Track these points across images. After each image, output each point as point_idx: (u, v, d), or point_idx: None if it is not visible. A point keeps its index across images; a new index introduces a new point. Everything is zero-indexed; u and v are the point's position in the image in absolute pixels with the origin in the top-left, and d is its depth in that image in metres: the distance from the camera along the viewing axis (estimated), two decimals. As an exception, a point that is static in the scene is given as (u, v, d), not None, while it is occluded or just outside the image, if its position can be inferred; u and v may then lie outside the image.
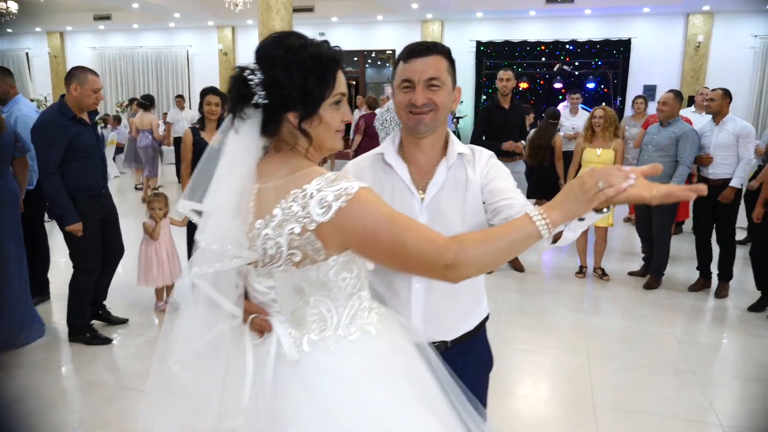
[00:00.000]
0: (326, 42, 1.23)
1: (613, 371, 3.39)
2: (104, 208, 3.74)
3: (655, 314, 4.29)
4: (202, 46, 14.54)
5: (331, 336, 1.24)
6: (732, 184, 4.54)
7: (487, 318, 1.70)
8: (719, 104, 4.61)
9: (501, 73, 5.02)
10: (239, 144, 1.21)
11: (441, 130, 1.54)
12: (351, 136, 9.31)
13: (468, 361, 1.59)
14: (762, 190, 4.36)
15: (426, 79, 1.44)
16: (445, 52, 1.48)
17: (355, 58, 14.74)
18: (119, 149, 10.94)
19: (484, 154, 1.56)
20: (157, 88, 15.10)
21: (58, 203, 3.43)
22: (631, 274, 5.16)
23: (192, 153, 4.11)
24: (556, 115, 6.34)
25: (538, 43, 12.25)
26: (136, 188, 9.63)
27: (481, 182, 1.51)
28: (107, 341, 3.68)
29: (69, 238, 3.57)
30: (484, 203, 1.50)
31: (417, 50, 1.45)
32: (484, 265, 1.15)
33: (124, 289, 4.45)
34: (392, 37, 13.27)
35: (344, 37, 13.61)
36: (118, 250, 3.94)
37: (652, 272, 4.91)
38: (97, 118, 4.01)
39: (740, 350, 3.80)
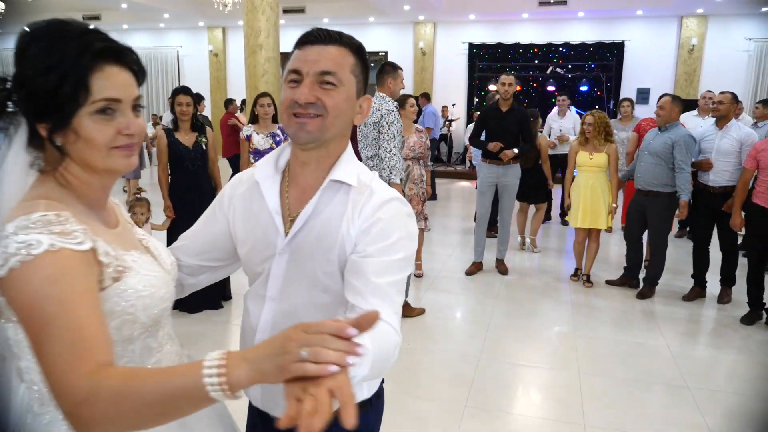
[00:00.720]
0: (91, 31, 0.95)
1: (604, 387, 3.26)
2: None
3: (648, 326, 4.17)
4: (192, 47, 14.38)
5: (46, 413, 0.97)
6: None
7: (376, 394, 1.31)
8: (727, 108, 4.49)
9: (503, 77, 4.95)
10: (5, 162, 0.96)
11: (334, 145, 1.17)
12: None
13: None
14: (735, 197, 4.26)
15: (317, 71, 1.09)
16: (353, 46, 1.14)
17: (347, 60, 14.62)
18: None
19: (382, 196, 1.15)
20: (146, 89, 14.90)
21: None
22: (608, 282, 5.03)
23: (167, 155, 4.04)
24: (535, 115, 6.22)
25: (531, 46, 12.16)
26: (124, 190, 9.47)
27: (354, 237, 1.13)
28: None
29: None
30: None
31: (315, 36, 1.12)
32: (118, 427, 0.80)
33: None
34: (384, 39, 13.15)
35: (336, 39, 13.51)
36: None
37: (647, 281, 4.78)
38: None
39: (737, 365, 3.68)
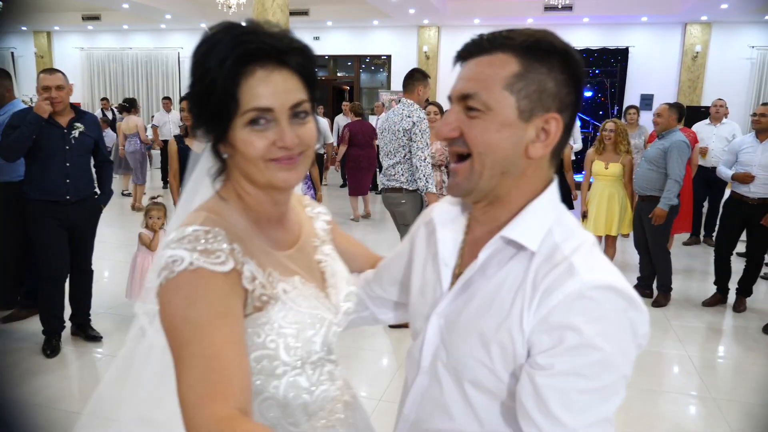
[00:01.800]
0: (251, 31, 0.86)
1: (629, 400, 3.21)
2: (68, 217, 3.49)
3: (666, 335, 4.12)
4: (193, 49, 14.26)
5: None
6: None
7: None
8: None
9: None
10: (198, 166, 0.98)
11: (506, 191, 0.88)
12: (336, 145, 9.11)
13: None
14: None
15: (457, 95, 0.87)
16: (515, 47, 0.86)
17: (350, 63, 14.59)
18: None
19: (589, 280, 0.78)
20: (146, 90, 14.82)
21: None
22: None
23: (178, 161, 4.01)
24: None
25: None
26: (123, 194, 9.34)
27: (528, 332, 0.80)
28: (97, 338, 3.70)
29: (32, 244, 3.49)
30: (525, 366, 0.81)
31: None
32: None
33: (108, 303, 4.25)
34: (388, 43, 13.12)
35: (339, 42, 13.46)
36: (84, 270, 3.72)
37: (659, 289, 4.75)
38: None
39: (763, 375, 3.64)
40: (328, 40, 13.45)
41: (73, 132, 3.45)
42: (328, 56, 14.52)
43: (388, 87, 13.50)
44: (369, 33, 13.09)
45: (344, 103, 11.31)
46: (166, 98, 10.64)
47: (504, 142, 0.83)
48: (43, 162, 3.38)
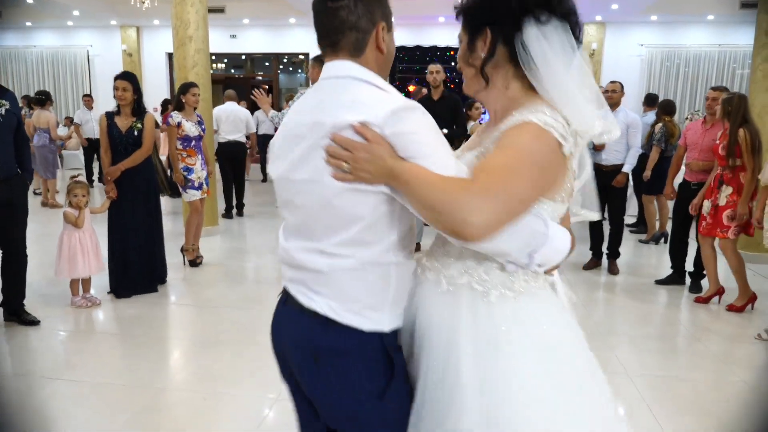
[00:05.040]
0: None
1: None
2: (2, 195, 3.51)
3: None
4: (103, 47, 13.80)
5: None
6: (624, 169, 5.08)
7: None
8: (619, 96, 5.17)
9: (430, 67, 5.39)
10: None
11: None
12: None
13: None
14: (669, 171, 5.12)
15: None
16: None
17: (267, 63, 14.60)
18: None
19: None
20: (54, 89, 14.16)
21: None
22: None
23: (108, 136, 4.23)
24: (469, 104, 6.60)
25: (448, 48, 12.73)
26: (35, 193, 8.98)
27: None
28: (35, 323, 3.75)
29: None
30: None
31: None
32: None
33: (36, 285, 4.38)
34: (305, 41, 13.25)
35: (256, 40, 13.46)
36: (18, 253, 3.72)
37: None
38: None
39: (637, 312, 4.27)
40: (246, 39, 13.43)
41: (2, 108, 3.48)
42: (245, 55, 14.47)
43: (307, 86, 13.66)
44: (286, 31, 13.19)
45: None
46: (87, 96, 10.39)
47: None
48: None
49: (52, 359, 3.41)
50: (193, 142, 4.97)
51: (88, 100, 10.20)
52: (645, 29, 12.17)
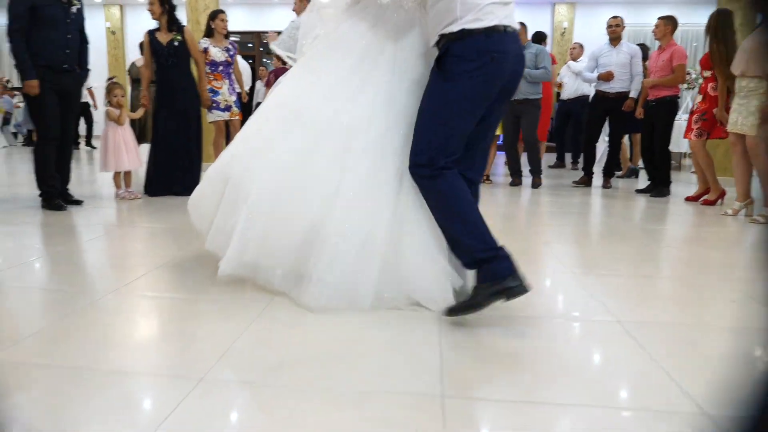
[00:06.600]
0: None
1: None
2: (63, 85, 3.95)
3: (550, 206, 5.03)
4: (87, 24, 13.78)
5: None
6: (631, 95, 5.59)
7: None
8: (621, 29, 5.74)
9: None
10: None
11: None
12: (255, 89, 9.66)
13: None
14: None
15: None
16: None
17: (251, 44, 14.83)
18: (5, 120, 10.22)
19: None
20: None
21: (18, 59, 3.76)
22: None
23: (150, 52, 4.72)
24: None
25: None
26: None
27: None
28: (78, 202, 4.22)
29: (31, 108, 3.95)
30: None
31: None
32: None
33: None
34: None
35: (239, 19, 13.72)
36: (68, 139, 4.18)
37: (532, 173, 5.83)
38: None
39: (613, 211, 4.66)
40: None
41: (72, 7, 3.94)
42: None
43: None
44: (268, 10, 13.47)
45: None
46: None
47: None
48: (46, 30, 3.80)
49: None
50: (220, 68, 5.24)
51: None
52: (616, 8, 12.82)
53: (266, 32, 14.40)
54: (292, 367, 1.62)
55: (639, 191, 5.46)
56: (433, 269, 2.08)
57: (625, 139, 7.03)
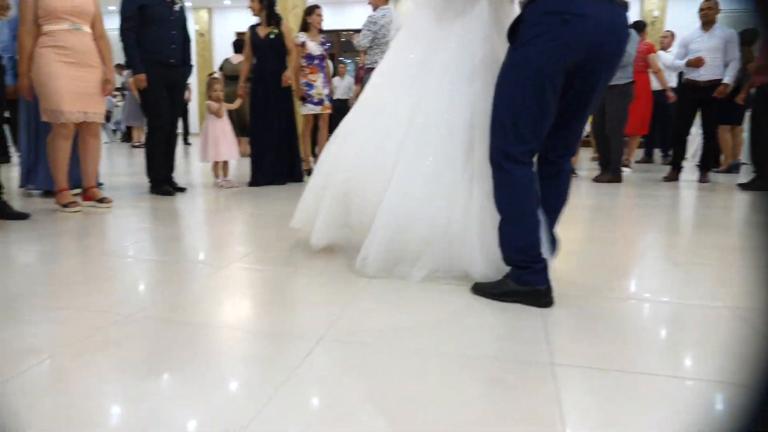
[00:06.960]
0: None
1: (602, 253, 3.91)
2: (168, 78, 4.25)
3: (647, 200, 4.86)
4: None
5: None
6: (725, 81, 5.24)
7: None
8: (715, 13, 5.33)
9: None
10: None
11: None
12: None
13: None
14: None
15: None
16: None
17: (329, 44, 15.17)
18: (106, 118, 11.02)
19: None
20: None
21: (129, 56, 4.10)
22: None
23: (251, 45, 5.01)
24: None
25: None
26: (134, 147, 9.85)
27: None
28: (182, 189, 4.56)
29: (144, 101, 4.26)
30: None
31: None
32: None
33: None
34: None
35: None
36: (173, 130, 4.51)
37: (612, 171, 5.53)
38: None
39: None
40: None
41: (175, 6, 4.24)
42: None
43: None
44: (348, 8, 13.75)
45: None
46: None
47: None
48: (153, 29, 4.12)
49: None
50: (316, 61, 5.44)
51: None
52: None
53: (344, 30, 14.85)
54: (404, 332, 1.71)
55: (741, 186, 5.13)
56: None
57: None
